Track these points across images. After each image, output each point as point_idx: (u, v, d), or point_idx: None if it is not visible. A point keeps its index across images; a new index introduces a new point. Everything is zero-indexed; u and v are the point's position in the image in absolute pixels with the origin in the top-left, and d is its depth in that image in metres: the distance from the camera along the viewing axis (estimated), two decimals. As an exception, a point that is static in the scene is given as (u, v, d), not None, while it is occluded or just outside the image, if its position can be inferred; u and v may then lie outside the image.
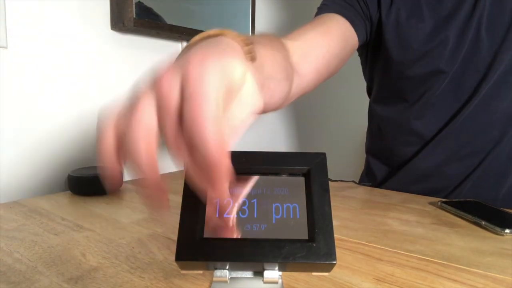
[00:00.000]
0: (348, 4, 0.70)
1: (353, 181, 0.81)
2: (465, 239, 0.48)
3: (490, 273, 0.38)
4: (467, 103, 0.68)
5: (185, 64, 0.25)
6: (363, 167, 0.91)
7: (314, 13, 0.72)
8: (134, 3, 0.74)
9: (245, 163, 0.33)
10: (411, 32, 0.68)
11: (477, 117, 0.68)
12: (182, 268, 0.30)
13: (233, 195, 0.31)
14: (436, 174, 0.73)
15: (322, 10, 0.70)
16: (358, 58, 0.85)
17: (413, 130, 0.74)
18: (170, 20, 0.84)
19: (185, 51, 0.34)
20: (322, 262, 0.28)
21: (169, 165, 0.92)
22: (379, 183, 0.81)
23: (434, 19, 0.68)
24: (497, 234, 0.49)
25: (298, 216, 0.31)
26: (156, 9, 0.82)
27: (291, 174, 0.33)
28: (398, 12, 0.70)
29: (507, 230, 0.49)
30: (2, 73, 0.64)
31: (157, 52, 0.87)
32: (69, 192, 0.67)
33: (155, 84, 0.25)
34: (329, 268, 0.30)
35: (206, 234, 0.30)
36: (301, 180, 0.32)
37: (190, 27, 0.87)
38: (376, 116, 0.82)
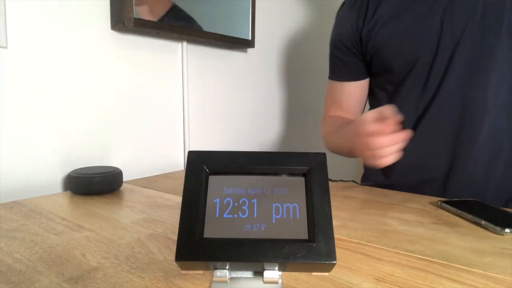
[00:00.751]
0: (344, 60, 0.84)
1: (353, 181, 0.81)
2: (465, 239, 0.48)
3: (490, 273, 0.38)
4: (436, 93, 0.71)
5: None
6: (362, 168, 0.91)
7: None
8: (134, 3, 0.74)
9: (245, 163, 0.33)
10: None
11: (450, 106, 0.70)
12: (182, 268, 0.30)
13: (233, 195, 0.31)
14: (421, 167, 0.75)
15: (330, 75, 0.90)
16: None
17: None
18: (202, 23, 0.89)
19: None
20: (322, 262, 0.28)
21: (169, 165, 0.92)
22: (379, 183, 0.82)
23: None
24: (497, 233, 0.49)
25: (298, 216, 0.31)
26: (189, 12, 0.86)
27: (291, 174, 0.33)
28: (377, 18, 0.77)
29: (507, 230, 0.49)
30: (2, 73, 0.64)
31: (157, 52, 0.87)
32: (69, 192, 0.67)
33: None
34: (329, 268, 0.30)
35: (206, 234, 0.30)
36: (301, 180, 0.32)
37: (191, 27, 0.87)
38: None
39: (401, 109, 0.65)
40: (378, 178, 0.82)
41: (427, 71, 0.72)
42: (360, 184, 0.80)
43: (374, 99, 0.87)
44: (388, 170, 0.81)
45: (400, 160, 0.77)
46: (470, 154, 0.70)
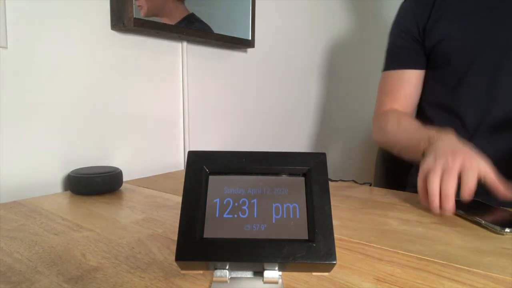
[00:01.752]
0: (404, 50, 0.85)
1: (353, 181, 0.81)
2: (465, 239, 0.48)
3: (490, 273, 0.38)
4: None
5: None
6: (362, 167, 0.91)
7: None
8: (134, 3, 0.74)
9: (245, 163, 0.33)
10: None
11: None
12: (182, 268, 0.30)
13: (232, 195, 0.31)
14: None
15: (387, 65, 0.90)
16: (358, 59, 0.86)
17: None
18: (216, 29, 0.92)
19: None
20: (322, 262, 0.28)
21: (169, 165, 0.92)
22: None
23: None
24: (497, 233, 0.49)
25: (298, 216, 0.31)
26: (205, 19, 0.89)
27: (291, 174, 0.33)
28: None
29: (507, 229, 0.49)
30: (2, 73, 0.64)
31: (157, 52, 0.87)
32: (69, 192, 0.67)
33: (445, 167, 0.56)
34: (329, 268, 0.30)
35: (206, 234, 0.30)
36: (301, 180, 0.32)
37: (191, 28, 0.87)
38: None
39: (462, 106, 0.66)
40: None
41: (493, 69, 0.72)
42: (360, 184, 0.80)
43: (430, 95, 0.87)
44: None
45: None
46: None
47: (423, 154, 0.64)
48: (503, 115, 0.74)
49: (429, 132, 0.68)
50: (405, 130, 0.78)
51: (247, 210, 0.31)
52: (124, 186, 0.72)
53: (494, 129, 0.74)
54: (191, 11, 0.86)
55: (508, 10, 0.72)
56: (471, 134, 0.77)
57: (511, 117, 0.72)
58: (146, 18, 0.77)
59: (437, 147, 0.62)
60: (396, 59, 0.88)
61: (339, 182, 0.80)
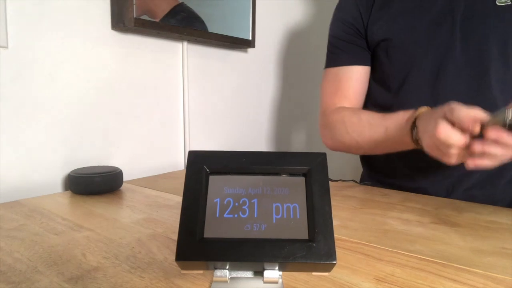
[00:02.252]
0: (348, 44, 0.80)
1: (353, 181, 0.81)
2: (465, 239, 0.48)
3: (490, 273, 0.38)
4: None
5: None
6: (363, 167, 0.91)
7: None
8: (134, 3, 0.74)
9: (245, 163, 0.33)
10: None
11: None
12: (182, 268, 0.30)
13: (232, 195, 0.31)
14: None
15: (330, 62, 0.85)
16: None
17: None
18: (212, 27, 0.90)
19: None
20: (322, 262, 0.28)
21: (169, 165, 0.92)
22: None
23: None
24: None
25: (298, 216, 0.31)
26: (196, 8, 0.87)
27: (291, 174, 0.33)
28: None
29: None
30: (2, 73, 0.64)
31: (157, 52, 0.87)
32: (69, 192, 0.67)
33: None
34: (329, 268, 0.30)
35: (207, 234, 0.30)
36: (301, 180, 0.32)
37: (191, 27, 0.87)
38: None
39: (407, 107, 0.64)
40: (377, 177, 0.81)
41: (436, 70, 0.70)
42: (360, 184, 0.80)
43: (372, 96, 0.83)
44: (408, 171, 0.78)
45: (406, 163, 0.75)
46: None
47: (413, 128, 0.61)
48: None
49: (405, 112, 0.66)
50: (369, 124, 0.72)
51: (247, 210, 0.31)
52: (124, 186, 0.72)
53: None
54: (180, 1, 0.84)
55: (446, 8, 0.70)
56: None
57: None
58: (145, 18, 0.77)
59: (426, 113, 0.60)
60: (342, 55, 0.82)
61: (339, 182, 0.80)
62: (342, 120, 0.77)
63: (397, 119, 0.67)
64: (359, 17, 0.78)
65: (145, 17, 0.77)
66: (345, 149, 0.80)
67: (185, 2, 0.85)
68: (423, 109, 0.62)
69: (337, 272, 0.38)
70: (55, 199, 0.63)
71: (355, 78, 0.81)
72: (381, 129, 0.69)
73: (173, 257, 0.38)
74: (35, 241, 0.44)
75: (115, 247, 0.43)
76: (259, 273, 0.32)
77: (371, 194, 0.71)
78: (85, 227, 0.50)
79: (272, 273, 0.30)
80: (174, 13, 0.83)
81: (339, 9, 0.84)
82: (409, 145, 0.64)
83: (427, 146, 0.58)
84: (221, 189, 0.32)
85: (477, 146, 0.50)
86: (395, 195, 0.70)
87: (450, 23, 0.69)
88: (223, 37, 0.94)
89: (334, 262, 0.28)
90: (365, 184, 0.80)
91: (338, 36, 0.82)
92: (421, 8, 0.72)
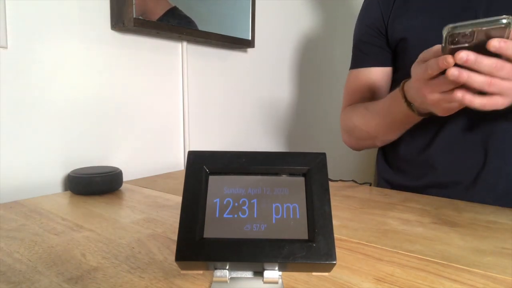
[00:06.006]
0: (369, 46, 0.82)
1: (353, 181, 0.81)
2: (465, 239, 0.48)
3: (490, 273, 0.38)
4: None
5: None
6: (362, 167, 0.90)
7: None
8: (134, 3, 0.74)
9: (244, 163, 0.33)
10: None
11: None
12: (182, 268, 0.30)
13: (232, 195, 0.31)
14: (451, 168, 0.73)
15: (352, 63, 0.88)
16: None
17: None
18: (202, 24, 0.89)
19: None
20: (322, 262, 0.28)
21: (169, 165, 0.92)
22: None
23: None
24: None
25: (298, 216, 0.31)
26: (190, 14, 0.86)
27: (291, 174, 0.33)
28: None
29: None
30: (2, 73, 0.64)
31: (157, 52, 0.87)
32: (69, 192, 0.67)
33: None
34: (329, 268, 0.30)
35: (206, 234, 0.30)
36: (301, 180, 0.32)
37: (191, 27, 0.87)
38: None
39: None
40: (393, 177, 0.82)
41: None
42: (360, 184, 0.80)
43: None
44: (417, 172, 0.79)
45: (428, 161, 0.75)
46: (503, 152, 0.68)
47: (404, 95, 0.65)
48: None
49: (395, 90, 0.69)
50: (376, 112, 0.76)
51: (247, 210, 0.31)
52: (124, 186, 0.72)
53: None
54: (173, 5, 0.83)
55: (466, 4, 0.69)
56: (439, 127, 0.75)
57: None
58: (144, 18, 0.77)
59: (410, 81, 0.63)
60: (363, 57, 0.84)
61: (339, 182, 0.80)
62: (350, 117, 0.82)
63: (391, 94, 0.70)
64: (380, 17, 0.79)
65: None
66: (363, 143, 0.84)
67: (178, 6, 0.84)
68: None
69: (337, 272, 0.38)
70: (54, 199, 0.63)
71: (374, 79, 0.83)
72: (383, 111, 0.73)
73: (173, 257, 0.38)
74: (35, 242, 0.44)
75: (114, 247, 0.43)
76: (259, 273, 0.32)
77: (371, 194, 0.71)
78: (85, 227, 0.50)
79: (272, 273, 0.30)
80: (168, 17, 0.82)
81: (362, 10, 0.86)
82: (409, 115, 0.67)
83: (416, 96, 0.61)
84: (221, 189, 0.32)
85: (453, 70, 0.50)
86: (395, 195, 0.70)
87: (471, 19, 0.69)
88: (222, 37, 0.94)
89: (334, 262, 0.28)
90: (365, 184, 0.80)
91: (359, 38, 0.85)
92: (441, 5, 0.72)
